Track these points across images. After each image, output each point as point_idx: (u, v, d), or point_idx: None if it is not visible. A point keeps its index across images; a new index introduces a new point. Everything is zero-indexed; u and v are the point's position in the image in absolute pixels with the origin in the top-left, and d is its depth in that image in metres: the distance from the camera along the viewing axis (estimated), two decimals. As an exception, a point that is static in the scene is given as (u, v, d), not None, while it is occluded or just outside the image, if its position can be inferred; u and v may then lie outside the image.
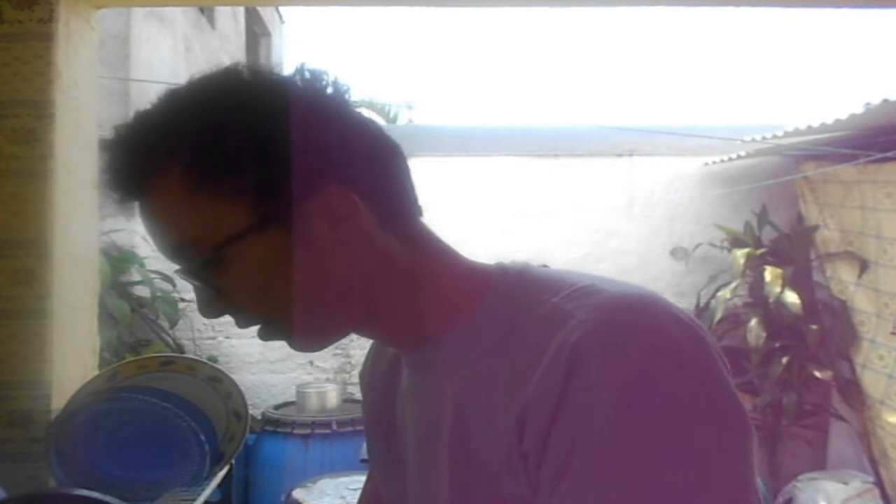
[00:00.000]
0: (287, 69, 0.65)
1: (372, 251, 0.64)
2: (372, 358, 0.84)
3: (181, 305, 4.00)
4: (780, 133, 3.47)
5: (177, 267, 0.65)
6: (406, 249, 0.66)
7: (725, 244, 3.99)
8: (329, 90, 0.64)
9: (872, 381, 3.43)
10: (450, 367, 0.65)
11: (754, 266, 3.75)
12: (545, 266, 0.70)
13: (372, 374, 0.83)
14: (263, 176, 0.60)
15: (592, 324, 0.56)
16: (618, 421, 0.51)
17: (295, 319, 0.64)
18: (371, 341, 0.81)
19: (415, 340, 0.68)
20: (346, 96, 0.65)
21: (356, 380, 4.70)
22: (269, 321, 0.65)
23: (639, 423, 0.51)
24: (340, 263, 0.63)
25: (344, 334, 0.69)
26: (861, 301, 3.50)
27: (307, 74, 0.64)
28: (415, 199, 0.69)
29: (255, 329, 0.67)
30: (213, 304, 0.65)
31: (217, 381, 1.44)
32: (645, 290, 0.59)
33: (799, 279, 3.66)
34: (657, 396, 0.51)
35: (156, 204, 0.63)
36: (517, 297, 0.63)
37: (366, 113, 0.68)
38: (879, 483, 3.42)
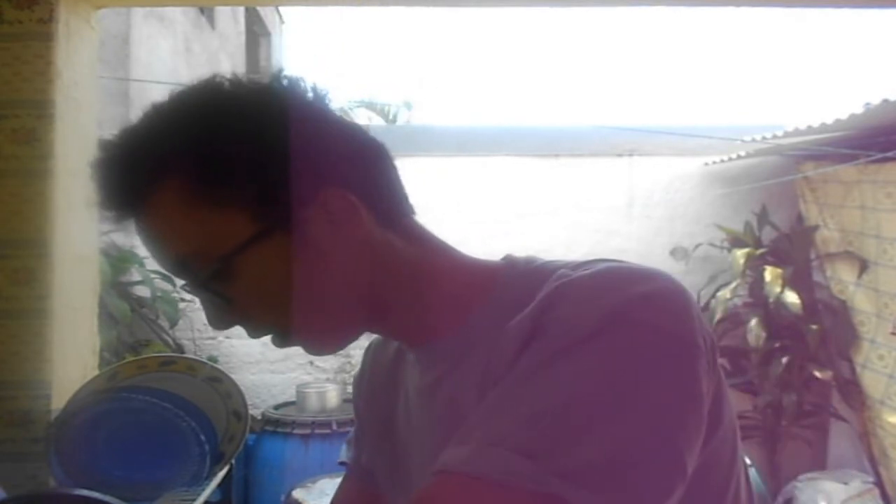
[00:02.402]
0: (267, 75, 0.65)
1: (375, 249, 0.64)
2: (370, 364, 0.83)
3: (181, 305, 4.00)
4: (780, 133, 3.47)
5: (181, 282, 0.64)
6: (407, 246, 0.67)
7: (725, 244, 3.99)
8: (310, 95, 0.64)
9: (872, 381, 3.43)
10: (469, 360, 0.63)
11: (754, 266, 3.75)
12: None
13: (371, 380, 0.82)
14: (264, 183, 0.60)
15: (580, 276, 0.57)
16: (568, 347, 0.52)
17: (308, 324, 0.64)
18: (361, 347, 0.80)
19: (424, 335, 0.67)
20: (327, 101, 0.65)
21: (356, 380, 4.62)
22: (282, 328, 0.64)
23: (590, 358, 0.51)
24: (347, 264, 0.63)
25: (358, 334, 0.68)
26: (861, 301, 3.50)
27: (285, 82, 0.64)
28: (406, 197, 0.69)
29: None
30: (223, 315, 0.64)
31: (217, 381, 1.44)
32: (658, 270, 0.58)
33: (799, 279, 3.66)
34: (619, 342, 0.52)
35: (155, 219, 0.62)
36: (528, 282, 0.62)
37: (360, 113, 0.68)
38: (879, 483, 3.42)
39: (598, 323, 0.52)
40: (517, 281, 0.64)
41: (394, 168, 0.68)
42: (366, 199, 0.64)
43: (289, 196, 0.60)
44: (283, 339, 0.66)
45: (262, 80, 0.65)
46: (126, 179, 0.61)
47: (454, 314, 0.65)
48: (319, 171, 0.62)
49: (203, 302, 0.65)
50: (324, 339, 0.67)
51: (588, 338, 0.52)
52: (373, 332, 0.71)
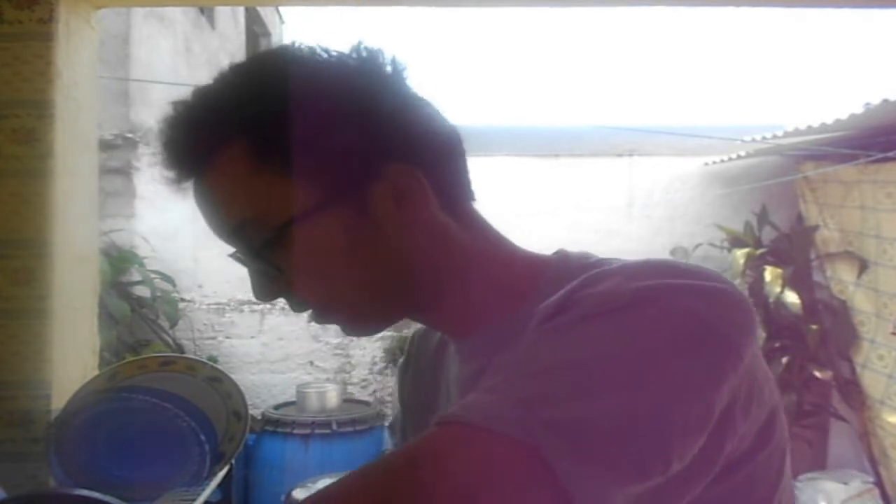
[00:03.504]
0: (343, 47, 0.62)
1: (434, 233, 0.62)
2: (415, 353, 0.81)
3: (181, 305, 4.00)
4: (780, 133, 3.47)
5: (232, 249, 0.63)
6: (463, 233, 0.65)
7: (725, 244, 3.99)
8: (388, 69, 0.62)
9: (872, 381, 3.43)
10: (504, 352, 0.61)
11: (754, 266, 3.75)
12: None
13: (416, 369, 0.81)
14: (331, 154, 0.58)
15: (625, 263, 0.55)
16: (592, 315, 0.50)
17: (353, 302, 0.63)
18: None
19: (468, 326, 0.65)
20: (405, 75, 0.63)
21: (356, 380, 4.67)
22: (327, 304, 0.63)
23: (612, 327, 0.49)
24: (404, 244, 0.61)
25: (399, 318, 0.66)
26: (861, 301, 3.50)
27: (364, 53, 0.61)
28: (469, 183, 0.67)
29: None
30: (269, 286, 0.62)
31: (217, 381, 1.44)
32: (721, 276, 0.55)
33: (799, 279, 3.66)
34: (647, 317, 0.49)
35: (217, 181, 0.60)
36: (572, 278, 0.59)
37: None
38: (879, 483, 3.42)
39: (631, 297, 0.50)
40: (565, 276, 0.61)
41: (462, 152, 0.67)
42: (432, 180, 0.62)
43: (355, 169, 0.59)
44: (323, 316, 0.64)
45: (342, 50, 0.62)
46: (193, 139, 0.60)
47: (499, 306, 0.64)
48: (390, 146, 0.60)
49: (250, 271, 0.63)
50: (365, 319, 0.65)
51: (616, 309, 0.50)
52: (414, 319, 0.70)
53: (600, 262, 0.62)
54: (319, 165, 0.58)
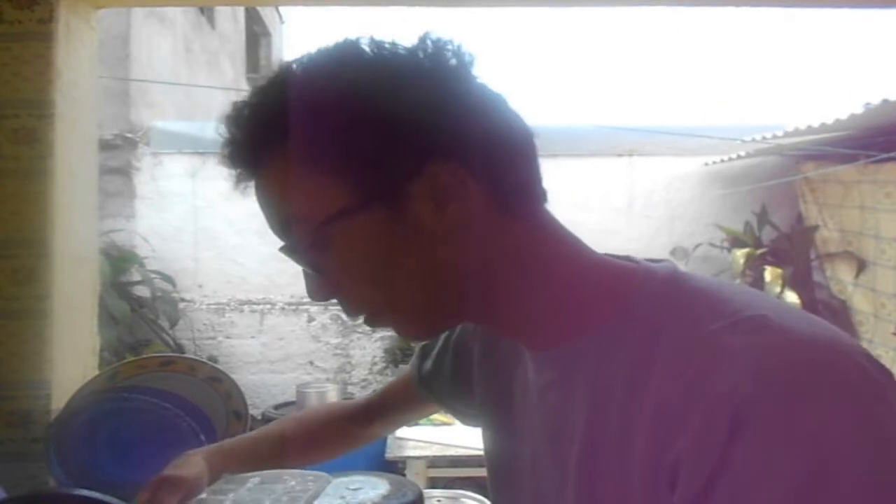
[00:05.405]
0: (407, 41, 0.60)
1: (488, 237, 0.59)
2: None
3: (181, 305, 4.00)
4: (780, 133, 3.47)
5: (281, 245, 0.62)
6: (531, 237, 0.61)
7: (725, 244, 3.99)
8: (452, 62, 0.58)
9: (872, 381, 3.43)
10: (584, 374, 0.59)
11: (754, 266, 3.76)
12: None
13: (493, 342, 0.78)
14: (367, 152, 0.56)
15: (764, 374, 0.48)
16: (787, 494, 0.45)
17: (398, 307, 0.61)
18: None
19: (542, 338, 0.62)
20: (470, 68, 0.59)
21: (356, 380, 4.65)
22: (374, 307, 0.61)
23: (809, 496, 0.44)
24: (449, 248, 0.58)
25: (455, 324, 0.65)
26: (859, 301, 3.51)
27: (430, 46, 0.58)
28: (539, 183, 0.63)
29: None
30: (320, 286, 0.62)
31: (217, 381, 1.44)
32: (825, 328, 0.51)
33: (799, 279, 3.66)
34: (831, 472, 0.44)
35: (267, 180, 0.60)
36: (667, 308, 0.56)
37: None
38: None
39: (798, 474, 0.45)
40: (651, 305, 0.57)
41: (532, 151, 0.62)
42: (485, 181, 0.58)
43: (392, 167, 0.56)
44: (373, 320, 0.63)
45: (404, 44, 0.59)
46: (247, 140, 0.60)
47: (575, 322, 0.60)
48: (431, 144, 0.56)
49: (304, 271, 0.63)
50: (416, 325, 0.63)
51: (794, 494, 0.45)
52: (482, 326, 0.68)
53: (687, 298, 0.57)
54: (356, 164, 0.56)
